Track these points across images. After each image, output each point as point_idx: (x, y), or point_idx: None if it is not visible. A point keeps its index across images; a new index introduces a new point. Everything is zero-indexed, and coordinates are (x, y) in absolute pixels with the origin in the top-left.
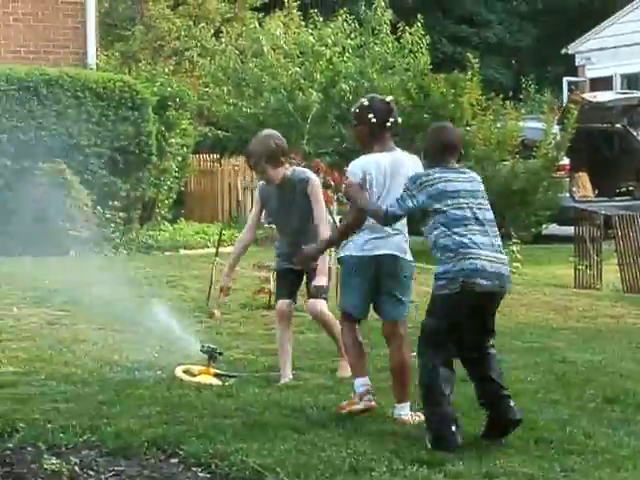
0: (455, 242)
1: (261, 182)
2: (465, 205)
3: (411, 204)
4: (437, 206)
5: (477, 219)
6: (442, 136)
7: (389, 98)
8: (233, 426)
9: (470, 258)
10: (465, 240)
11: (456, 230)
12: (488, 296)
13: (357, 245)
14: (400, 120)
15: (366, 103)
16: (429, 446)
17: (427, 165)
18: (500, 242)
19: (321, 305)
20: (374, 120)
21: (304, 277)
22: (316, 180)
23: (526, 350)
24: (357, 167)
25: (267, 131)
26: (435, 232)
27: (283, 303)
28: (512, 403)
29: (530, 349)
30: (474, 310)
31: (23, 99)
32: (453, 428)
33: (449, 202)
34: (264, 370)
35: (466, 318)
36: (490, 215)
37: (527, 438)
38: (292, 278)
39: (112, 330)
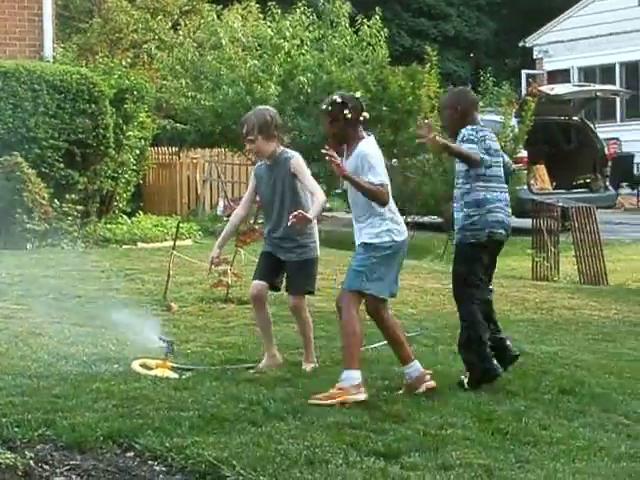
0: (489, 197)
1: (258, 163)
2: (499, 164)
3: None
4: (488, 160)
5: (501, 177)
6: (470, 95)
7: (358, 94)
8: (189, 419)
9: (495, 212)
10: (499, 196)
11: (492, 185)
12: (501, 243)
13: (399, 231)
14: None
15: (339, 100)
16: (467, 387)
17: (456, 126)
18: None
19: (301, 302)
20: (349, 116)
21: (283, 269)
22: (299, 157)
23: None
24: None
25: (263, 106)
26: (474, 184)
27: (254, 285)
28: (508, 342)
29: None
30: (491, 254)
31: None
32: (494, 361)
33: (494, 159)
34: (221, 363)
35: (487, 261)
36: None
37: (483, 429)
38: (270, 263)
39: (68, 324)
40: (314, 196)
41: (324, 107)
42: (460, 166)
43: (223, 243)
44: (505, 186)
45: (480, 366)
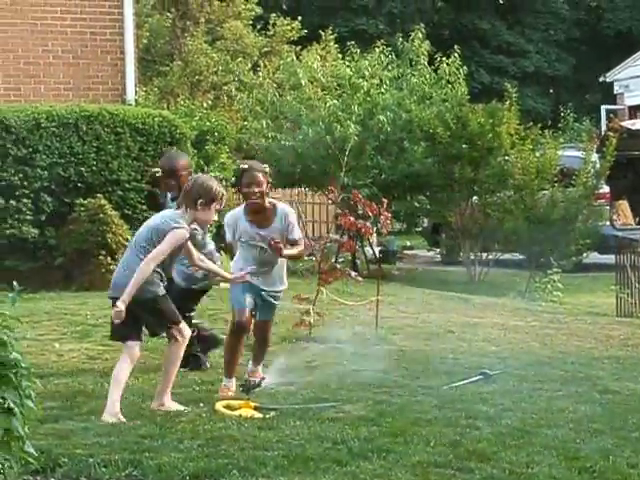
0: None
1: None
2: None
3: None
4: None
5: None
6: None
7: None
8: (274, 459)
9: None
10: None
11: None
12: None
13: None
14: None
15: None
16: None
17: None
18: None
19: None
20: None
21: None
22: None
23: (567, 380)
24: None
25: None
26: None
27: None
28: None
29: (572, 379)
30: None
31: (63, 136)
32: None
33: None
34: (304, 402)
35: None
36: None
37: (570, 468)
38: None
39: (153, 364)
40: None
41: (264, 171)
42: None
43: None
44: None
45: None
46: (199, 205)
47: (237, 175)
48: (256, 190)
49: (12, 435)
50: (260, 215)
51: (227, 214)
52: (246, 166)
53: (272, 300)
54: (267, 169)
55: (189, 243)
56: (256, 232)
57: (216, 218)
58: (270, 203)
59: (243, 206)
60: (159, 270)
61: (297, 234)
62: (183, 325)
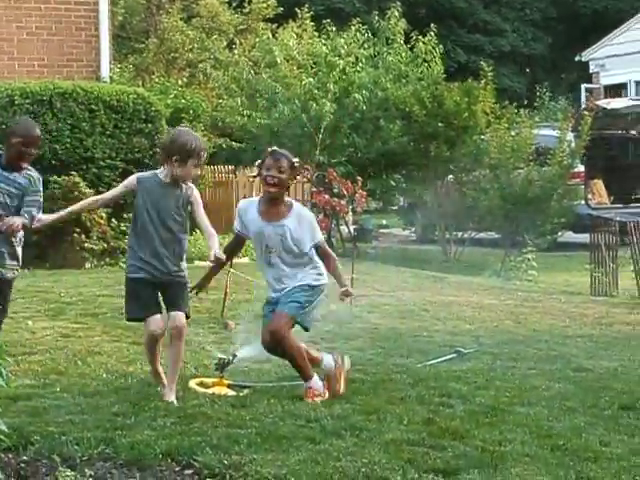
0: None
1: None
2: None
3: None
4: None
5: None
6: None
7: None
8: (247, 436)
9: None
10: None
11: None
12: None
13: None
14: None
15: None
16: None
17: None
18: None
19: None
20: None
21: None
22: None
23: (541, 358)
24: None
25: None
26: None
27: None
28: None
29: (545, 357)
30: None
31: (37, 113)
32: None
33: None
34: (278, 380)
35: None
36: None
37: (542, 445)
38: None
39: (127, 342)
40: None
41: (291, 160)
42: None
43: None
44: None
45: None
46: (174, 162)
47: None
48: (275, 175)
49: None
50: (273, 208)
51: (241, 200)
52: (274, 148)
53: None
54: (296, 161)
55: None
56: (264, 225)
57: (198, 173)
58: (288, 200)
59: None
60: None
61: (319, 236)
62: None
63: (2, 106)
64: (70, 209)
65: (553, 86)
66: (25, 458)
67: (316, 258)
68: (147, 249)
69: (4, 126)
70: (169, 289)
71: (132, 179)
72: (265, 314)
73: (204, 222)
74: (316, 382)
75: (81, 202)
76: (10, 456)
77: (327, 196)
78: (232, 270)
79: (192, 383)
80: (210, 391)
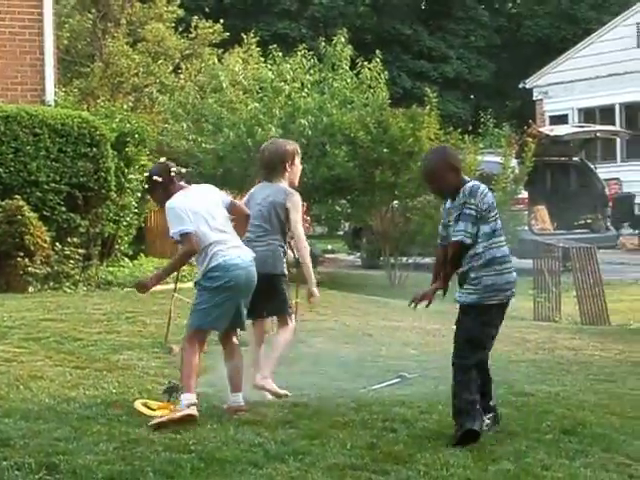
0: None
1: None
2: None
3: None
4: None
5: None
6: (454, 152)
7: (162, 159)
8: (190, 461)
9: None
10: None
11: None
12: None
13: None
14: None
15: (147, 174)
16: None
17: (451, 182)
18: None
19: None
20: (161, 180)
21: None
22: None
23: None
24: None
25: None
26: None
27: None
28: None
29: None
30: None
31: None
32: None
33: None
34: (222, 405)
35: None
36: None
37: (484, 469)
38: None
39: (70, 367)
40: None
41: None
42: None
43: None
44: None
45: (469, 426)
46: (288, 167)
47: None
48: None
49: None
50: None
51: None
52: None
53: None
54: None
55: None
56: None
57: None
58: None
59: None
60: None
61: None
62: None
63: None
64: None
65: (497, 113)
66: None
67: (209, 250)
68: None
69: None
70: None
71: None
72: None
73: None
74: (184, 401)
75: None
76: None
77: None
78: (176, 294)
79: (138, 403)
80: (156, 414)
